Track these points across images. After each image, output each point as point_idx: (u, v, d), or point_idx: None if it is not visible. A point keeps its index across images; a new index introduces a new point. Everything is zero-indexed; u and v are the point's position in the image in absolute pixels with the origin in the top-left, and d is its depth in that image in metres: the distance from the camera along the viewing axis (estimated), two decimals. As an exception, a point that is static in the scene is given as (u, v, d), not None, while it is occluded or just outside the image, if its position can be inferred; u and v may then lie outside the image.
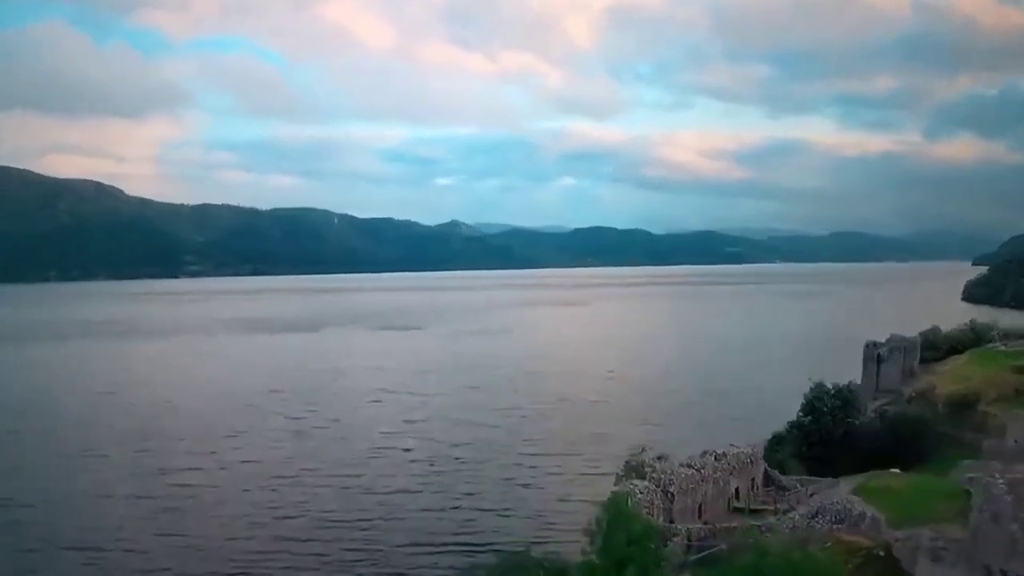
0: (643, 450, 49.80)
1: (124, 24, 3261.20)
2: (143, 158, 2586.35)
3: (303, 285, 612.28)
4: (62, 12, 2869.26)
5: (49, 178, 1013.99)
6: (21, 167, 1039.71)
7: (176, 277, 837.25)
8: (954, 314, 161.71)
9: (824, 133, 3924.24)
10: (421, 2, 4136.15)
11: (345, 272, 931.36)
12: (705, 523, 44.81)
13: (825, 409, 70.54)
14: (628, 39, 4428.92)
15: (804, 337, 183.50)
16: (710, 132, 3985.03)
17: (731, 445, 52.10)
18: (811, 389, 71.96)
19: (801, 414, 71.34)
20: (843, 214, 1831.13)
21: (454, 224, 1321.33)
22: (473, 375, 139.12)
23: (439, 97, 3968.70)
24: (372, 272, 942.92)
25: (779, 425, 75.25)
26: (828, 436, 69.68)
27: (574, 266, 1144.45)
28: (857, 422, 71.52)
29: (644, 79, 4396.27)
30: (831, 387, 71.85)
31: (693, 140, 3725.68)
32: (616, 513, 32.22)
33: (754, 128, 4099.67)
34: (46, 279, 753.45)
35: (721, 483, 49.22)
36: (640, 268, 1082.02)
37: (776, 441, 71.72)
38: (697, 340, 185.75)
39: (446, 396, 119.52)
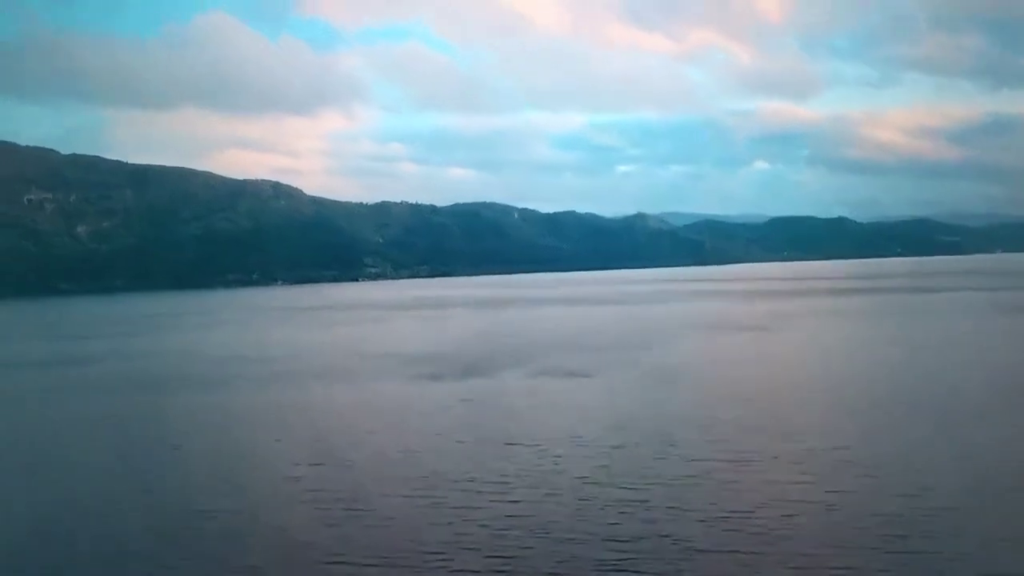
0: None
1: (291, 15, 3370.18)
2: (315, 153, 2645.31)
3: (481, 293, 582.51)
4: (226, 5, 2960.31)
5: (229, 179, 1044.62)
6: (200, 168, 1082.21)
7: (356, 280, 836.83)
8: None
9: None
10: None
11: (526, 271, 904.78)
12: None
13: None
14: (822, 10, 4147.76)
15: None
16: (919, 109, 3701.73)
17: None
18: None
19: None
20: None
21: (640, 216, 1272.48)
22: (674, 460, 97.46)
23: (617, 80, 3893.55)
24: (554, 271, 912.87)
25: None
26: None
27: (771, 260, 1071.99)
28: None
29: (841, 53, 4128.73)
30: None
31: (899, 118, 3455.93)
32: None
33: (969, 104, 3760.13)
34: (226, 284, 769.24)
35: None
36: (845, 262, 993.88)
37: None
38: (924, 401, 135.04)
39: (650, 496, 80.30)
